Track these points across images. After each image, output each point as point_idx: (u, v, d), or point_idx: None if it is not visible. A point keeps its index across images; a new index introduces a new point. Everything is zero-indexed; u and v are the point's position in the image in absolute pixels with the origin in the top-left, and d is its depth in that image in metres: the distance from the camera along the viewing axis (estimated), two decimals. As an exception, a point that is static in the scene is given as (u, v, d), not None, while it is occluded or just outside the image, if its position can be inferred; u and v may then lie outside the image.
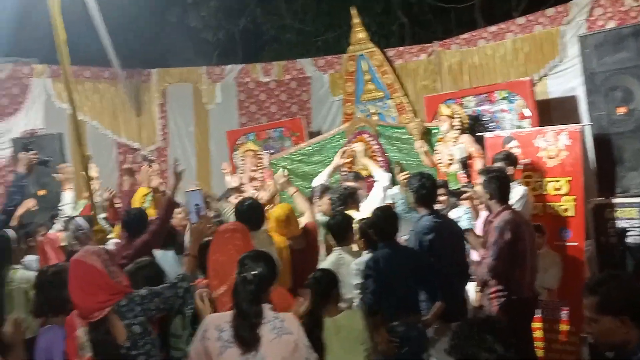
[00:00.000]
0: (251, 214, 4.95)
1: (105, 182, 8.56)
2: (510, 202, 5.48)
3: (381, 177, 6.88)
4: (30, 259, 5.88)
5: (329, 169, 7.52)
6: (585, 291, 2.77)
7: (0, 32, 9.18)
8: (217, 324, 3.29)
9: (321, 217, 6.10)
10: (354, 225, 5.45)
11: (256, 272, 3.30)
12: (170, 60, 11.16)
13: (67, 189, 6.99)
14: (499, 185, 5.31)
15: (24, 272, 5.54)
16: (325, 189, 6.53)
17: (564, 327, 6.29)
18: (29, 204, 6.20)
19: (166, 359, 4.17)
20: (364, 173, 7.58)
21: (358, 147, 7.86)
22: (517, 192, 5.89)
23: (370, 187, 7.01)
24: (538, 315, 6.17)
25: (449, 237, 5.25)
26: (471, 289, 5.78)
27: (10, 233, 5.35)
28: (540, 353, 6.07)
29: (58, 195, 7.47)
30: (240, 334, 3.21)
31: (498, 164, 6.01)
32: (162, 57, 11.52)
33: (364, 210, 6.07)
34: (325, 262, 5.29)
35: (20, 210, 5.88)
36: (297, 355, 3.32)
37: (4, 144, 9.09)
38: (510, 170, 5.97)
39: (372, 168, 7.31)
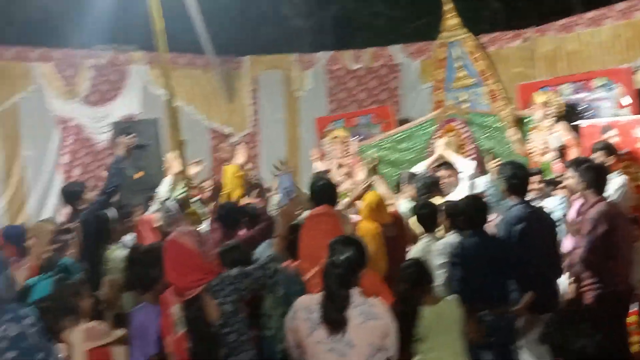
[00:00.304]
0: (323, 193, 4.83)
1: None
2: (608, 192, 5.30)
3: (465, 167, 6.80)
4: (128, 238, 6.16)
5: (430, 160, 7.43)
6: None
7: (100, 20, 9.57)
8: (307, 305, 3.36)
9: (408, 203, 6.09)
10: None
11: (346, 256, 3.33)
12: (262, 48, 11.31)
13: (169, 175, 7.24)
14: (596, 175, 5.14)
15: (121, 251, 5.81)
16: (412, 176, 6.50)
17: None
18: None
19: (257, 338, 4.29)
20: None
21: (440, 141, 7.73)
22: (616, 182, 5.68)
23: None
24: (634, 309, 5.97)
25: (540, 227, 5.11)
26: (564, 280, 5.63)
27: (111, 213, 5.60)
28: (636, 348, 5.84)
29: (153, 178, 7.76)
30: (328, 316, 3.25)
31: (597, 154, 5.81)
32: (254, 44, 11.68)
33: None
34: (414, 250, 5.29)
35: None
36: (385, 342, 3.33)
37: (104, 128, 9.52)
38: (609, 160, 5.75)
39: (455, 159, 7.22)
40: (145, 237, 6.07)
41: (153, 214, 6.53)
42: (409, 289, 3.77)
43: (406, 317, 3.70)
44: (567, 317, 2.49)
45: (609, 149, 5.97)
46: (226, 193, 6.44)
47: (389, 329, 3.35)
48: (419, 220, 5.47)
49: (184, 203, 5.73)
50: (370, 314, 3.30)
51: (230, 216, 5.48)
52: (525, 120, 7.69)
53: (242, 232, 5.54)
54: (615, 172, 5.87)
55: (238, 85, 10.78)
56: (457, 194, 6.36)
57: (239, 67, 10.82)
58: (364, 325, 3.27)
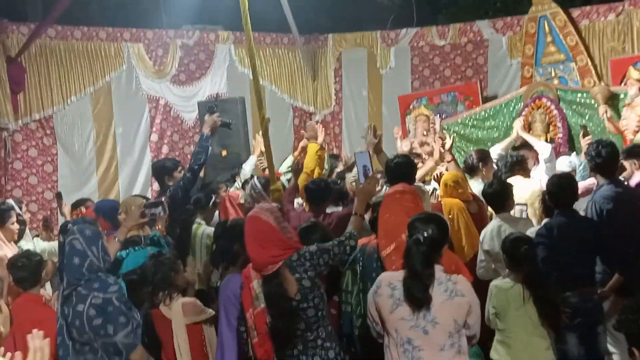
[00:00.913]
0: (400, 170, 4.67)
1: (281, 145, 8.94)
2: None
3: (543, 150, 6.63)
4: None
5: (507, 141, 7.30)
6: None
7: (188, 1, 9.78)
8: (390, 281, 3.38)
9: (479, 184, 6.00)
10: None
11: (428, 233, 3.33)
12: (346, 26, 11.27)
13: (255, 154, 7.41)
14: None
15: (206, 227, 5.98)
16: (484, 155, 6.35)
17: None
18: None
19: (335, 313, 4.35)
20: (542, 139, 7.38)
21: (517, 123, 7.54)
22: None
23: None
24: None
25: (631, 207, 4.92)
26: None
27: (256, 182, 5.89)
28: None
29: (238, 156, 7.93)
30: (412, 294, 3.27)
31: None
32: (338, 23, 11.63)
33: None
34: (486, 231, 5.21)
35: None
36: (469, 318, 3.32)
37: (191, 107, 9.78)
38: None
39: (533, 141, 7.11)
40: (230, 214, 6.24)
41: (238, 191, 6.70)
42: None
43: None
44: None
45: None
46: (307, 171, 6.51)
47: (473, 307, 3.34)
48: (487, 199, 5.41)
49: (268, 181, 5.81)
50: (455, 291, 3.30)
51: (319, 193, 5.49)
52: (619, 97, 7.39)
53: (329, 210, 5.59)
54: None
55: (322, 64, 10.83)
56: (535, 177, 6.24)
57: (323, 46, 10.86)
58: (449, 302, 3.28)
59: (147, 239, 4.69)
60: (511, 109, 8.33)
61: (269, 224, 3.61)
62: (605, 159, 5.02)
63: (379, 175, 5.09)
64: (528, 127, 7.93)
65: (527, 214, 5.58)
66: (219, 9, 10.11)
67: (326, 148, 7.97)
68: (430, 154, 7.45)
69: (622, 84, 7.55)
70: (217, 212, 6.39)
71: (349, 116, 10.84)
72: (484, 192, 5.50)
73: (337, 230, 4.50)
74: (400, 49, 10.55)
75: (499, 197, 5.31)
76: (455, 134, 8.64)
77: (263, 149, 6.02)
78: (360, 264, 4.27)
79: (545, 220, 4.98)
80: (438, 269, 3.35)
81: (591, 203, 5.00)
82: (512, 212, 5.49)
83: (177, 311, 4.16)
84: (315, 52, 10.83)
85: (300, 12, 10.06)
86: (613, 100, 7.40)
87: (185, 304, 4.21)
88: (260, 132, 6.07)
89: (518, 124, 7.50)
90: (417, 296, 3.26)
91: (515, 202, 5.50)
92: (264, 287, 3.61)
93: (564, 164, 6.43)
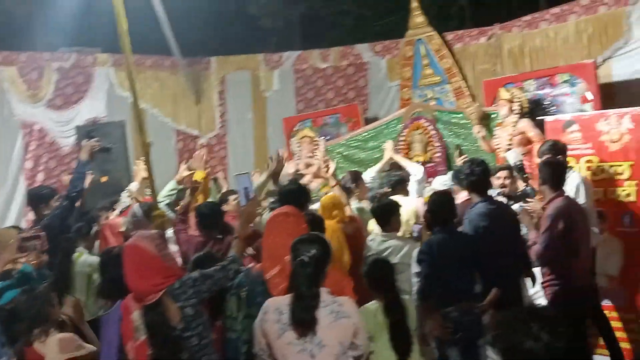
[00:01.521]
0: (288, 194, 4.82)
1: (164, 169, 8.73)
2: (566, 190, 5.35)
3: (415, 171, 6.85)
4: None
5: (380, 164, 7.50)
6: None
7: (65, 22, 9.44)
8: (277, 307, 3.33)
9: (356, 204, 6.11)
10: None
11: (312, 254, 3.32)
12: (230, 48, 11.25)
13: (137, 180, 7.19)
14: (551, 171, 5.19)
15: (88, 256, 5.73)
16: (357, 176, 6.49)
17: (624, 314, 6.11)
18: None
19: (219, 341, 4.26)
20: (421, 159, 7.59)
21: (388, 144, 7.79)
22: (572, 179, 5.70)
23: (430, 174, 6.98)
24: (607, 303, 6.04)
25: (504, 223, 5.15)
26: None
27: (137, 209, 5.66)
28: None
29: (119, 182, 7.68)
30: (297, 317, 3.24)
31: (545, 156, 5.81)
32: (221, 45, 11.63)
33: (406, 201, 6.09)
34: (370, 249, 5.31)
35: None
36: (355, 340, 3.32)
37: (68, 132, 9.39)
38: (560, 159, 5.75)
39: (404, 163, 7.35)
40: (110, 243, 6.01)
41: (118, 218, 6.47)
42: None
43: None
44: (517, 316, 2.41)
45: (555, 148, 5.85)
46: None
47: (359, 327, 3.35)
48: (374, 215, 5.51)
49: (150, 207, 5.66)
50: (341, 313, 3.29)
51: (211, 217, 5.47)
52: (492, 116, 7.74)
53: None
54: (571, 169, 5.88)
55: (206, 86, 10.71)
56: (407, 197, 6.43)
57: (206, 68, 10.75)
58: (334, 324, 3.26)
59: (19, 273, 4.43)
60: (391, 130, 8.54)
61: (148, 251, 3.49)
62: (479, 177, 5.23)
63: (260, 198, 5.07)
64: (407, 148, 8.16)
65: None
66: (97, 30, 9.85)
67: (211, 172, 7.89)
68: (316, 176, 7.54)
69: (494, 104, 7.91)
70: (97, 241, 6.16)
71: (234, 139, 10.77)
72: (371, 209, 5.59)
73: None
74: (284, 72, 10.64)
75: (386, 213, 5.41)
76: (339, 155, 8.80)
77: (145, 174, 5.87)
78: (245, 288, 4.22)
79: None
80: (324, 291, 3.33)
81: (467, 221, 5.19)
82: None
83: (52, 348, 3.93)
84: (199, 75, 10.69)
85: (182, 34, 9.95)
86: (486, 120, 7.73)
87: (61, 339, 3.99)
88: (138, 162, 5.92)
89: (389, 145, 7.72)
90: (303, 319, 3.24)
91: None
92: (145, 317, 3.47)
93: (439, 184, 6.65)
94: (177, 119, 10.50)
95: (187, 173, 6.44)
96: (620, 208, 6.13)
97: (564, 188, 5.31)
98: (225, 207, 6.66)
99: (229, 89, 10.78)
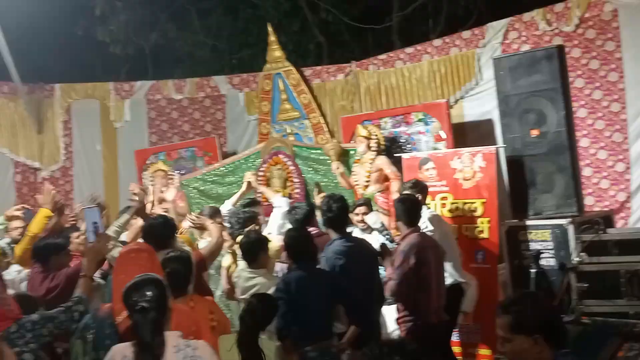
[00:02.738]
0: (153, 230, 4.82)
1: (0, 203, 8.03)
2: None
3: (280, 203, 6.73)
4: None
5: (236, 196, 7.33)
6: (499, 310, 2.76)
7: None
8: (124, 354, 3.05)
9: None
10: None
11: (150, 296, 3.07)
12: (76, 75, 10.63)
13: None
14: (405, 207, 5.29)
15: None
16: (215, 212, 6.27)
17: (479, 350, 6.24)
18: None
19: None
20: (281, 194, 7.46)
21: (250, 176, 7.70)
22: (423, 215, 5.78)
23: (269, 213, 6.81)
24: (455, 339, 6.11)
25: (361, 260, 5.17)
26: (388, 312, 5.66)
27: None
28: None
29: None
30: None
31: (406, 192, 5.88)
32: (67, 71, 10.96)
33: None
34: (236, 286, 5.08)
35: None
36: None
37: None
38: (419, 197, 5.83)
39: (269, 194, 7.32)
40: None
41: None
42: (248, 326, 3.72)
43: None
44: (382, 350, 2.41)
45: (417, 186, 5.99)
46: (30, 234, 5.88)
47: None
48: (241, 250, 5.29)
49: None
50: (195, 358, 3.07)
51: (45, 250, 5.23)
52: (350, 153, 7.77)
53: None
54: (425, 206, 5.95)
55: (49, 115, 9.95)
56: (268, 229, 6.32)
57: (50, 96, 9.98)
58: None
59: None
60: (250, 164, 8.36)
61: None
62: (336, 213, 5.25)
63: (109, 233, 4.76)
64: (266, 183, 8.01)
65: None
66: None
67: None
68: (171, 210, 7.16)
69: (352, 141, 7.95)
70: None
71: (80, 172, 10.08)
72: (240, 244, 5.34)
73: (66, 289, 4.25)
74: (136, 102, 10.12)
75: (253, 249, 5.19)
76: (195, 190, 8.46)
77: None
78: (92, 331, 3.80)
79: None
80: (175, 335, 3.09)
81: (324, 259, 5.13)
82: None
83: None
84: (41, 103, 9.92)
85: (23, 59, 9.25)
86: (345, 157, 7.74)
87: None
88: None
89: (251, 177, 7.63)
90: None
91: None
92: None
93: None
94: (15, 149, 9.65)
95: (17, 213, 5.97)
96: (473, 245, 6.31)
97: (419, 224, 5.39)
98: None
99: (75, 118, 10.07)
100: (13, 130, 9.66)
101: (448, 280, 5.57)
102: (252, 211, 6.28)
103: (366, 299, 5.02)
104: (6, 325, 3.21)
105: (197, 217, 6.09)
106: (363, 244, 5.48)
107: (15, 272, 5.63)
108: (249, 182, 7.62)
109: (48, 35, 11.29)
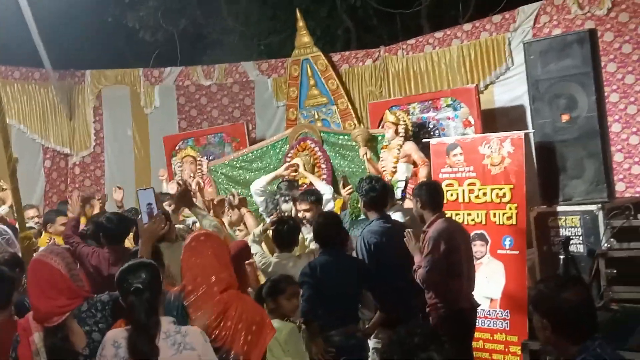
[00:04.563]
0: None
1: (28, 189, 8.18)
2: None
3: (325, 190, 6.71)
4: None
5: (270, 175, 7.29)
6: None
7: None
8: (115, 339, 3.08)
9: None
10: None
11: (143, 278, 3.11)
12: (106, 62, 10.72)
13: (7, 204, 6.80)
14: (429, 192, 5.25)
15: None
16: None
17: (506, 336, 6.21)
18: None
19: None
20: (301, 181, 7.45)
21: (299, 161, 7.67)
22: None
23: None
24: (480, 325, 6.09)
25: (398, 243, 5.10)
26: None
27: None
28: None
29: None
30: (136, 349, 3.01)
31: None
32: (97, 58, 11.07)
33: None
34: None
35: None
36: None
37: None
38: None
39: (315, 181, 7.20)
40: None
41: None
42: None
43: None
44: (406, 336, 2.37)
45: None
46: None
47: (204, 359, 3.13)
48: (276, 236, 5.28)
49: (15, 228, 5.27)
50: (184, 344, 3.09)
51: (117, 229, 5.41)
52: (378, 139, 7.75)
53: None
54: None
55: (80, 101, 10.09)
56: None
57: (80, 82, 10.13)
58: (176, 357, 3.05)
59: None
60: (277, 150, 8.39)
61: (58, 270, 3.23)
62: (380, 192, 5.25)
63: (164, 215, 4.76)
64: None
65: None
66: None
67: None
68: (199, 195, 7.24)
69: (380, 126, 7.93)
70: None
71: (112, 157, 10.21)
72: (275, 229, 5.31)
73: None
74: (165, 88, 10.21)
75: (287, 234, 5.20)
76: (223, 176, 8.52)
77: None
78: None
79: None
80: (166, 320, 3.13)
81: (360, 238, 5.15)
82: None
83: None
84: (72, 89, 10.06)
85: (54, 46, 9.37)
86: (372, 142, 7.72)
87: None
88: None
89: (300, 161, 7.57)
90: (142, 351, 3.00)
91: None
92: (47, 340, 3.18)
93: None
94: (46, 135, 9.83)
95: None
96: (501, 231, 6.25)
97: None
98: (50, 229, 6.61)
99: (105, 104, 10.21)
100: (44, 117, 9.83)
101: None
102: (293, 195, 6.33)
103: (401, 282, 5.03)
104: (78, 303, 3.24)
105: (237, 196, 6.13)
106: (402, 227, 5.43)
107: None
108: (291, 166, 7.55)
109: (78, 22, 11.38)
